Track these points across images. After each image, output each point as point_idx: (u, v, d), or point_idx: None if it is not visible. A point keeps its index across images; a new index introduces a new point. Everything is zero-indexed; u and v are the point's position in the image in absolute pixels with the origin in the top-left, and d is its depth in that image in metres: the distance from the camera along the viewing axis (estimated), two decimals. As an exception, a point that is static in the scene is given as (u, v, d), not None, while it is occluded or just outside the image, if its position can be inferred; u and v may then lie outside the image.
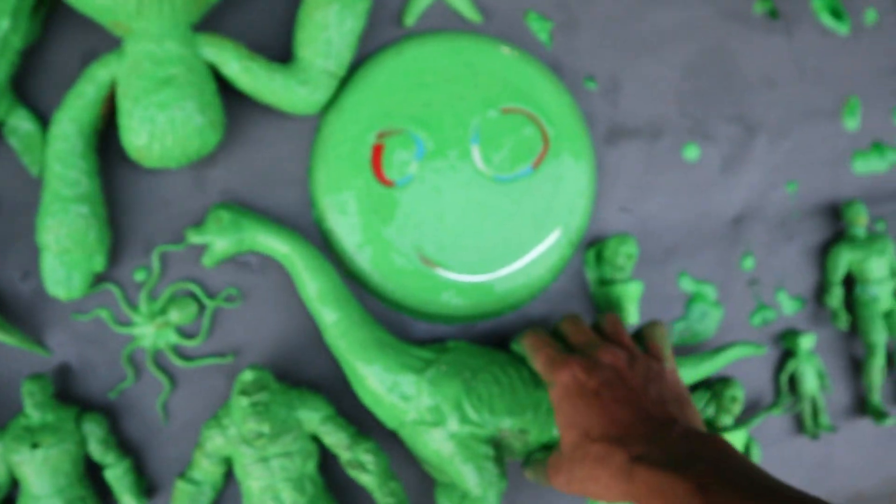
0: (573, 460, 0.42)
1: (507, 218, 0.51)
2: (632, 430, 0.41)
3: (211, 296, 0.49)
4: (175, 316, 0.48)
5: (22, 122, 0.47)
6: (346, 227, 0.49)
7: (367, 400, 0.47)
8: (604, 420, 0.41)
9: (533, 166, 0.51)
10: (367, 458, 0.46)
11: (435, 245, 0.50)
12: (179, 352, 0.49)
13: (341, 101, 0.49)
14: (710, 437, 0.40)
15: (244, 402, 0.43)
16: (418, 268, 0.50)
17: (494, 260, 0.51)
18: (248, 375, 0.44)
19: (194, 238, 0.46)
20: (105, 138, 0.47)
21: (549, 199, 0.52)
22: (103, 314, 0.48)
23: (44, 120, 0.47)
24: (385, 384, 0.46)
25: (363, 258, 0.49)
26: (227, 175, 0.49)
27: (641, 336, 0.49)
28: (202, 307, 0.49)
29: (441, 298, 0.50)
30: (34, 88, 0.47)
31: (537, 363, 0.46)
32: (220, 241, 0.46)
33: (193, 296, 0.49)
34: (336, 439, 0.46)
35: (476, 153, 0.50)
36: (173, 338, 0.48)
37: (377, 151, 0.49)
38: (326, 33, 0.46)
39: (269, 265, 0.50)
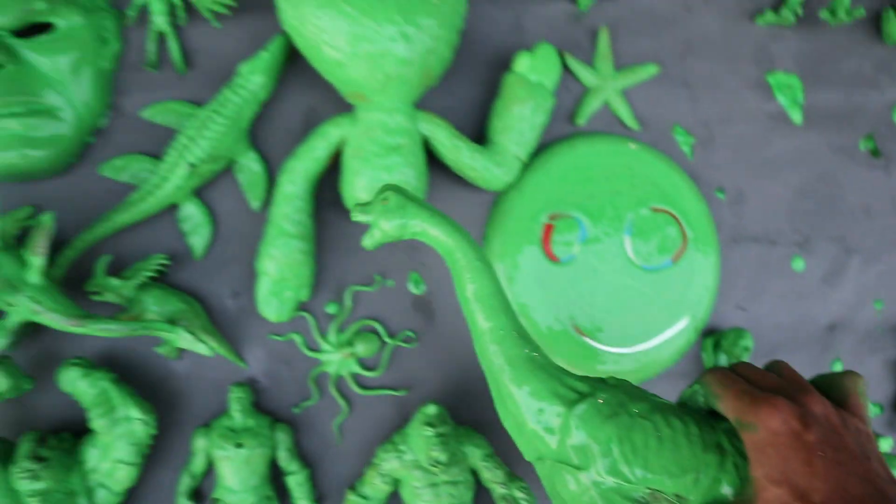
0: None
1: (647, 302, 0.58)
2: None
3: (391, 335, 0.56)
4: (360, 348, 0.54)
5: (251, 163, 0.54)
6: (513, 291, 0.56)
7: (509, 423, 0.41)
8: (828, 486, 0.34)
9: (673, 260, 0.59)
10: (521, 496, 0.52)
11: (587, 317, 0.57)
12: (359, 380, 0.55)
13: (522, 183, 0.57)
14: None
15: (429, 431, 0.49)
16: (571, 335, 0.57)
17: (633, 337, 0.58)
18: (432, 409, 0.50)
19: (359, 216, 0.43)
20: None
21: (682, 289, 0.59)
22: (296, 338, 0.55)
23: (266, 162, 0.54)
24: (530, 410, 0.39)
25: (524, 320, 0.56)
26: (413, 232, 0.57)
27: (827, 387, 0.40)
28: (383, 344, 0.55)
29: (584, 365, 0.57)
30: (261, 134, 0.55)
31: (729, 401, 0.38)
32: (383, 222, 0.42)
33: (376, 332, 0.55)
34: (494, 475, 0.52)
35: (628, 243, 0.58)
36: (355, 367, 0.55)
37: (548, 230, 0.56)
38: (521, 124, 0.54)
39: (446, 314, 0.57)
